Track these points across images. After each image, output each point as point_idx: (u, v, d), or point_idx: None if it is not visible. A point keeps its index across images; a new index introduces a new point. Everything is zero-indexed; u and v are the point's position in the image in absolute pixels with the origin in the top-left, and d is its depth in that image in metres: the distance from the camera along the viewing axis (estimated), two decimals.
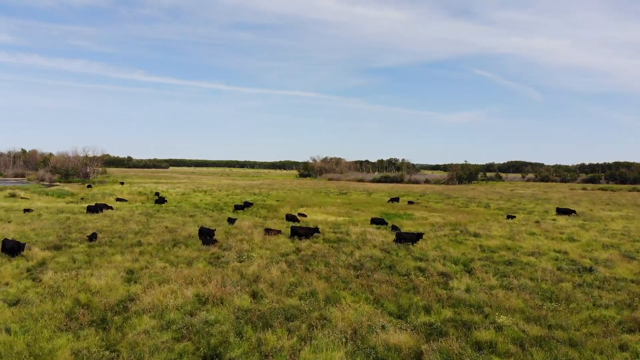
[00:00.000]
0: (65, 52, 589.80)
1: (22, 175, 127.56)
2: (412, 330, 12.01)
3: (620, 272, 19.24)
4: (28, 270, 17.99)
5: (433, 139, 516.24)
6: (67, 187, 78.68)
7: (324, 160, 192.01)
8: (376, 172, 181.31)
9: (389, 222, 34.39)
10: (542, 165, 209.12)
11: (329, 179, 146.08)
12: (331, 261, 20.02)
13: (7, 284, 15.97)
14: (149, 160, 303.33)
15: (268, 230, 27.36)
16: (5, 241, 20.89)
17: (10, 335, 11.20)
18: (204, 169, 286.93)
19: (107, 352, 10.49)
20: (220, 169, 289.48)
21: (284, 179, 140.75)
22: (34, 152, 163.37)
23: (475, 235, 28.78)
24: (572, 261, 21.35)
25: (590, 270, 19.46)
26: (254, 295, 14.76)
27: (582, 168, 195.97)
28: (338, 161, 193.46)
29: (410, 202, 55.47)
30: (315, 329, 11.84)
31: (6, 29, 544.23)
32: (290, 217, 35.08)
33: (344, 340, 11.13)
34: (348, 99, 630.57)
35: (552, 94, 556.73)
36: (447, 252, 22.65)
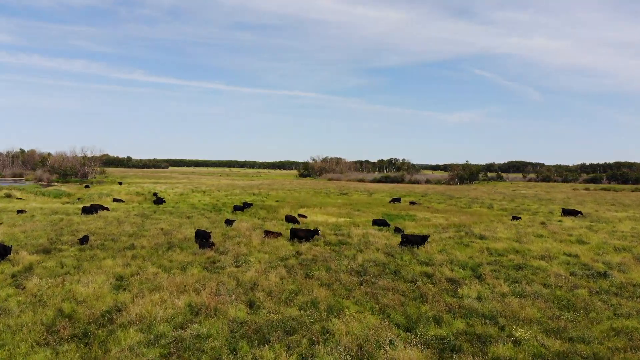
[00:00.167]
0: (65, 52, 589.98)
1: (21, 176, 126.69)
2: (422, 345, 10.98)
3: (636, 277, 18.26)
4: (13, 275, 17.01)
5: (433, 139, 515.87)
6: (64, 188, 77.73)
7: (324, 160, 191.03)
8: (376, 172, 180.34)
9: (391, 223, 33.44)
10: (542, 165, 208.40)
11: (329, 179, 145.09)
12: (333, 266, 19.03)
13: None
14: (149, 160, 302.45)
15: (267, 233, 26.39)
16: None
17: None
18: (204, 169, 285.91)
19: None
20: (220, 169, 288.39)
21: (284, 179, 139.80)
22: (32, 152, 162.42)
23: (481, 237, 27.82)
24: (584, 265, 20.38)
25: (605, 275, 18.53)
26: (251, 304, 13.75)
27: (583, 168, 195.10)
28: (338, 161, 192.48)
29: (412, 203, 54.51)
30: (316, 345, 10.81)
31: (6, 29, 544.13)
32: (290, 219, 34.11)
33: (348, 358, 10.11)
34: (348, 99, 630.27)
35: (552, 94, 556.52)
36: (454, 256, 21.67)
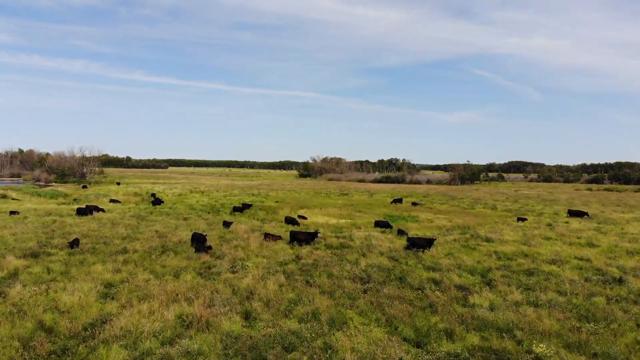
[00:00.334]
0: (65, 52, 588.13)
1: (19, 176, 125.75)
2: None
3: None
4: None
5: (433, 139, 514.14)
6: (61, 188, 76.71)
7: (324, 160, 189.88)
8: (377, 173, 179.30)
9: (394, 224, 32.50)
10: (543, 165, 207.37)
11: (329, 179, 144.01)
12: (334, 272, 18.05)
13: None
14: (148, 160, 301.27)
15: (267, 236, 25.40)
16: None
17: None
18: (204, 169, 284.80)
19: None
20: (219, 169, 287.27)
21: (284, 179, 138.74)
22: (30, 152, 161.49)
23: (488, 240, 26.87)
24: (597, 270, 19.44)
25: (621, 281, 17.61)
26: (247, 316, 12.76)
27: (584, 168, 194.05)
28: (338, 161, 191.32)
29: (414, 204, 53.51)
30: None
31: (6, 29, 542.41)
32: (289, 220, 33.12)
33: None
34: (348, 99, 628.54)
35: (552, 94, 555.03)
36: (461, 260, 20.71)
